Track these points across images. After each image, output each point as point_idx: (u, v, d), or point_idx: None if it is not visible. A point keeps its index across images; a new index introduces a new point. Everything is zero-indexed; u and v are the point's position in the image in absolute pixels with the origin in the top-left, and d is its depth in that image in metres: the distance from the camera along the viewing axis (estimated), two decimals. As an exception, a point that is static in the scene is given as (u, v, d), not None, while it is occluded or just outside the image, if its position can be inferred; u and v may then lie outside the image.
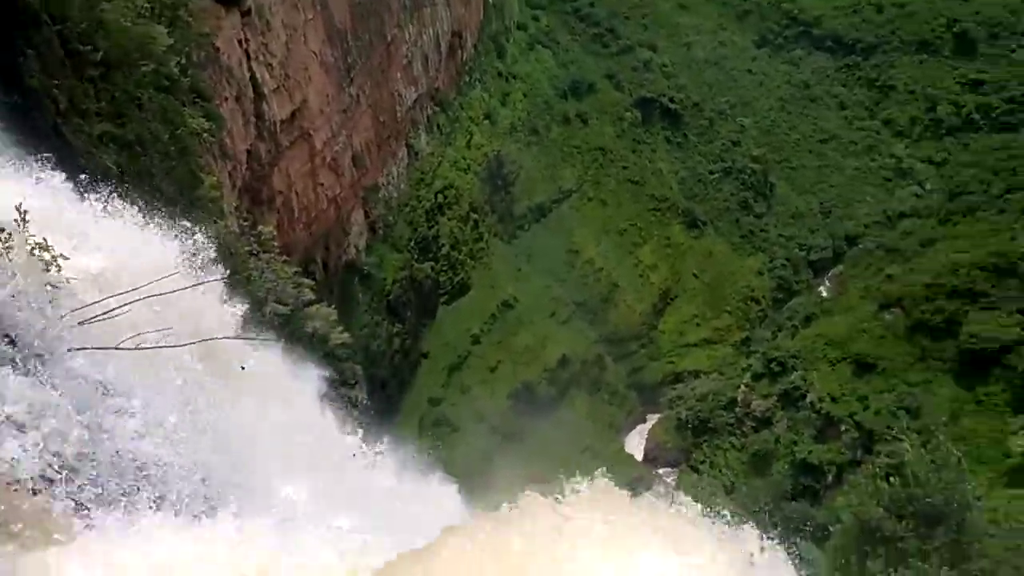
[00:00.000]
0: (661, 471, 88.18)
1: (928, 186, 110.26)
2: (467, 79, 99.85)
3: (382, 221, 77.44)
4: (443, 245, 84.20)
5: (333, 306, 44.03)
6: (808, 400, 74.60)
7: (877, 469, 18.24)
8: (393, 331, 74.42)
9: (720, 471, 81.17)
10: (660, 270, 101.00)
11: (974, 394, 67.23)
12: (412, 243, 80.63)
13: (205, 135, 34.93)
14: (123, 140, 18.17)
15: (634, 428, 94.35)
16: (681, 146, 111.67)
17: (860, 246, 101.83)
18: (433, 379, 79.19)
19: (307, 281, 43.79)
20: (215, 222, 25.86)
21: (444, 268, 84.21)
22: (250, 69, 52.73)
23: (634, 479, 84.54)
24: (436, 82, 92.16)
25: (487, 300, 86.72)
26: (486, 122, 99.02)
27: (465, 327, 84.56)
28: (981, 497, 17.40)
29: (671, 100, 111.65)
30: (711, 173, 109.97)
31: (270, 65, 55.26)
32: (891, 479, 17.01)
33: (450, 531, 4.38)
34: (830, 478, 70.02)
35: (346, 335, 41.78)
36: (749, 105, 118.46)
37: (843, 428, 71.57)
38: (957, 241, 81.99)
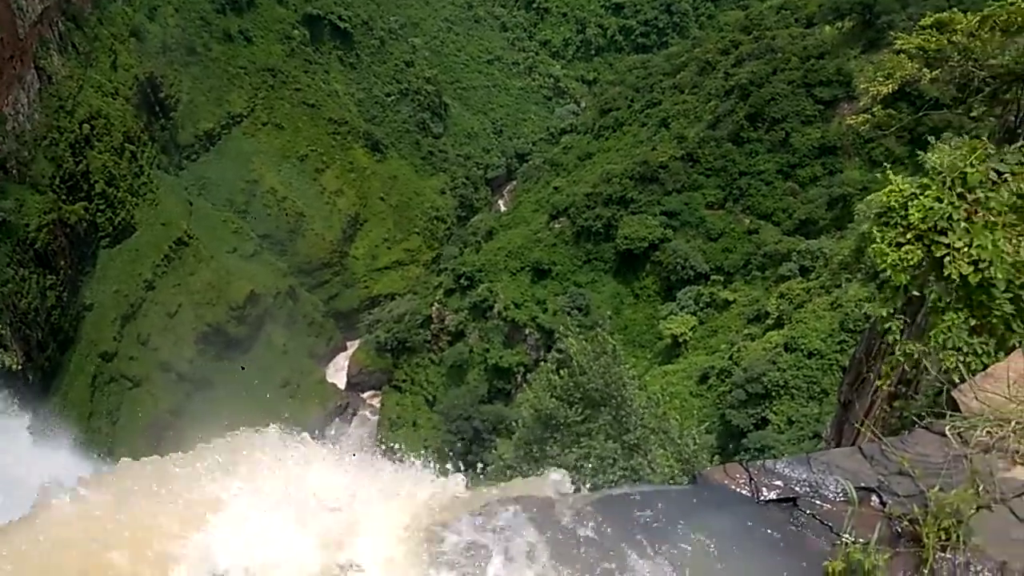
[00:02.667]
0: (365, 395, 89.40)
1: (583, 104, 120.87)
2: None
3: (15, 158, 66.27)
4: (96, 182, 74.47)
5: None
6: (495, 310, 79.62)
7: (550, 364, 19.71)
8: (46, 284, 65.05)
9: (422, 386, 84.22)
10: (347, 195, 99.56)
11: (631, 288, 76.58)
12: (57, 182, 70.11)
13: None
14: None
15: (335, 356, 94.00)
16: (355, 67, 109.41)
17: (529, 162, 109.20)
18: (103, 333, 71.11)
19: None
20: None
21: (101, 208, 74.79)
22: None
23: (338, 407, 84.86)
24: (66, -7, 79.61)
25: (158, 240, 79.09)
26: (133, 40, 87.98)
27: (135, 272, 76.59)
28: (635, 376, 19.55)
29: (340, 18, 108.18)
30: (388, 95, 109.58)
31: None
32: (561, 372, 18.43)
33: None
34: (519, 379, 76.16)
35: (-23, 294, 35.75)
36: (418, 25, 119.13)
37: (527, 332, 77.86)
38: (609, 154, 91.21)
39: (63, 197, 70.10)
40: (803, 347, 52.92)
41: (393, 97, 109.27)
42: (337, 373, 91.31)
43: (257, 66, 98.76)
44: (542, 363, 21.94)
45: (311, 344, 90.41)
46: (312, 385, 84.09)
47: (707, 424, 32.83)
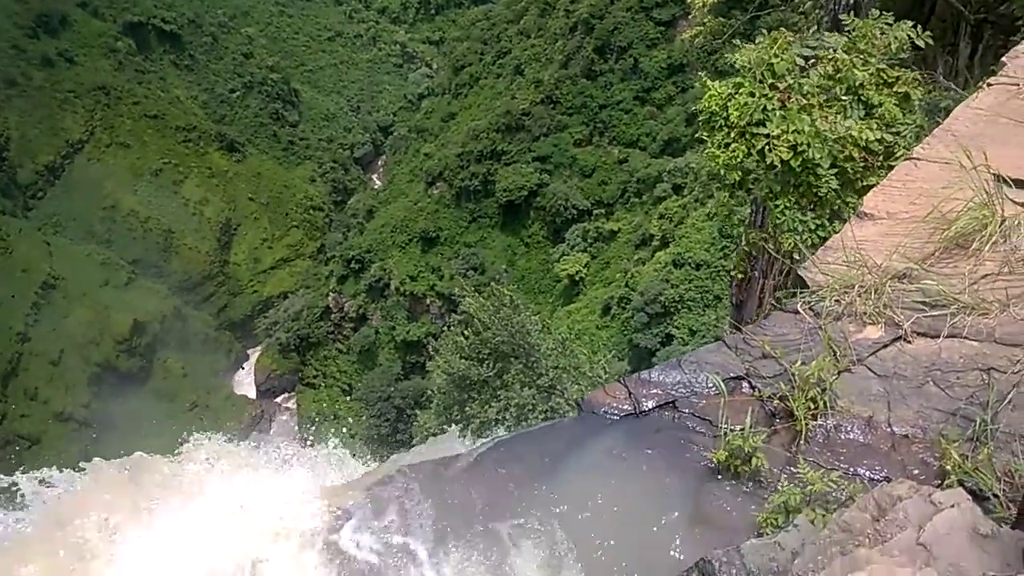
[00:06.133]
0: (279, 400, 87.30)
1: (435, 65, 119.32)
2: None
3: None
4: (-65, 242, 68.83)
5: None
6: (392, 287, 78.89)
7: (453, 327, 19.78)
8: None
9: (335, 378, 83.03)
10: (213, 202, 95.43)
11: (520, 238, 77.33)
12: None
13: None
14: None
15: (239, 367, 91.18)
16: (191, 69, 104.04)
17: (394, 133, 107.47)
18: (-17, 397, 66.49)
19: None
20: None
21: (-52, 269, 69.29)
22: None
23: (253, 417, 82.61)
24: None
25: (21, 289, 73.97)
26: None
27: (4, 326, 71.58)
28: (538, 322, 19.85)
29: (163, 21, 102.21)
30: (232, 91, 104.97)
31: None
32: (465, 332, 18.54)
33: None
34: (430, 349, 75.97)
35: None
36: (249, 14, 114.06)
37: (428, 302, 77.61)
38: (471, 110, 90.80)
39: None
40: (690, 260, 55.00)
41: (238, 92, 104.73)
42: (245, 384, 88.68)
43: (86, 86, 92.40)
44: (447, 328, 21.97)
45: (211, 361, 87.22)
46: (221, 402, 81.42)
47: (615, 352, 33.95)
